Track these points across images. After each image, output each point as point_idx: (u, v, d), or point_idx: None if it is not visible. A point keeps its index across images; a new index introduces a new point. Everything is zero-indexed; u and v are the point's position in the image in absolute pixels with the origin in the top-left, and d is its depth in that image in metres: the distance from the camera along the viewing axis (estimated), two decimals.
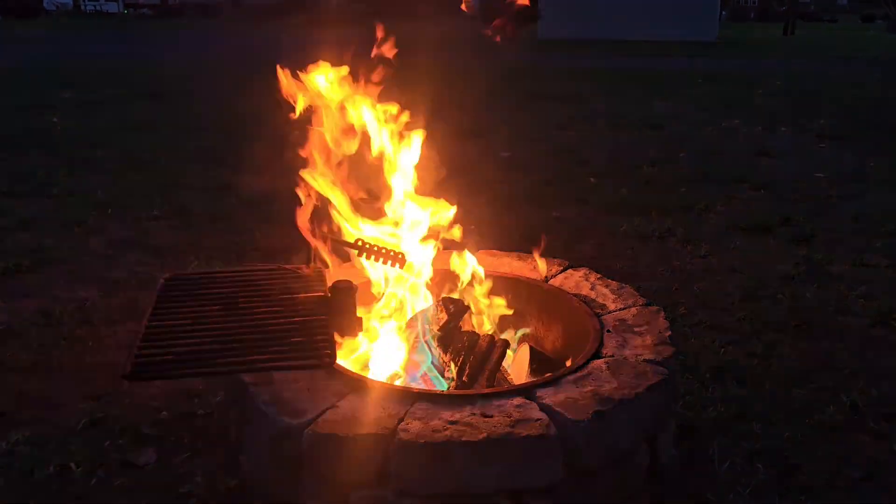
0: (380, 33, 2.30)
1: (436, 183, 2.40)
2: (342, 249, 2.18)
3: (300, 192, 2.12)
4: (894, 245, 4.11)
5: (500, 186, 5.23)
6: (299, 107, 2.18)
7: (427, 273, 2.33)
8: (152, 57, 15.61)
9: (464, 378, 2.04)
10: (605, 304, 2.31)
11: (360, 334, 2.01)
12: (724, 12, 37.31)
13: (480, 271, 2.39)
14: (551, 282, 2.49)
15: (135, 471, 2.14)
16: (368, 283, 2.33)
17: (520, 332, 2.46)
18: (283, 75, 2.19)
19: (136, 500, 2.02)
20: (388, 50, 2.30)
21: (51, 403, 2.48)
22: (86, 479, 2.10)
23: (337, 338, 1.84)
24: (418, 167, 2.35)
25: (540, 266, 2.54)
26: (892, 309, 3.21)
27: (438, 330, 2.19)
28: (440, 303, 2.24)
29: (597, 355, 2.00)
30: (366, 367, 2.15)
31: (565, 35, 22.92)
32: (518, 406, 1.74)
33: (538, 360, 2.26)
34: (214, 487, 2.04)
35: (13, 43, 19.93)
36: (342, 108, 2.23)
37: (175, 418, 2.39)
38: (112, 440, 2.26)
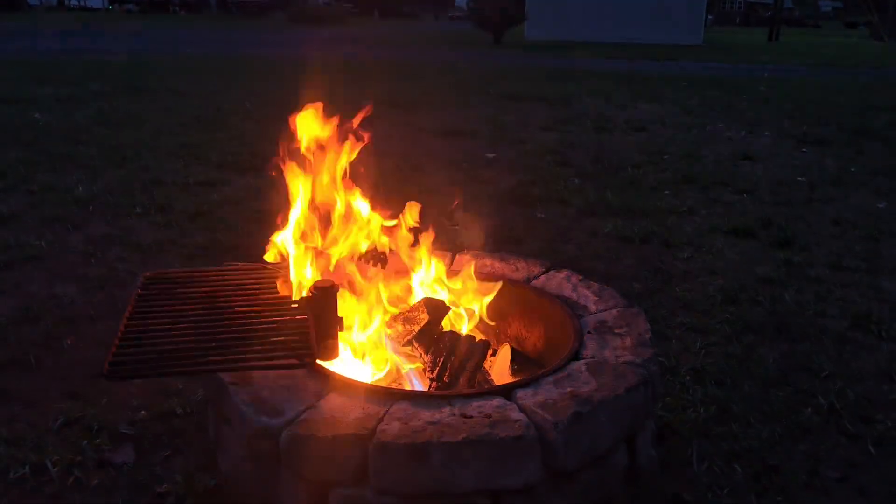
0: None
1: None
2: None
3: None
4: (872, 248, 4.15)
5: (484, 187, 5.24)
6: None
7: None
8: (135, 52, 15.49)
9: (444, 378, 2.04)
10: (586, 306, 2.31)
11: (341, 334, 2.00)
12: (709, 16, 37.59)
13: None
14: (533, 283, 2.49)
15: (112, 470, 2.12)
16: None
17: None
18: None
19: (113, 499, 2.00)
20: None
21: (28, 401, 2.45)
22: (62, 478, 2.07)
23: (317, 337, 1.84)
24: None
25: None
26: (870, 311, 3.24)
27: (419, 331, 2.19)
28: (421, 303, 2.23)
29: (577, 356, 2.01)
30: (346, 366, 2.15)
31: (551, 36, 23.00)
32: (497, 407, 1.74)
33: (519, 361, 2.27)
34: (193, 487, 2.02)
35: None
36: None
37: (153, 417, 2.37)
38: (89, 439, 2.24)
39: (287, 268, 2.13)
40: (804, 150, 7.06)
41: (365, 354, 2.21)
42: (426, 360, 2.14)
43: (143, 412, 2.39)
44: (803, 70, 15.55)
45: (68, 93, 9.12)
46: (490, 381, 2.14)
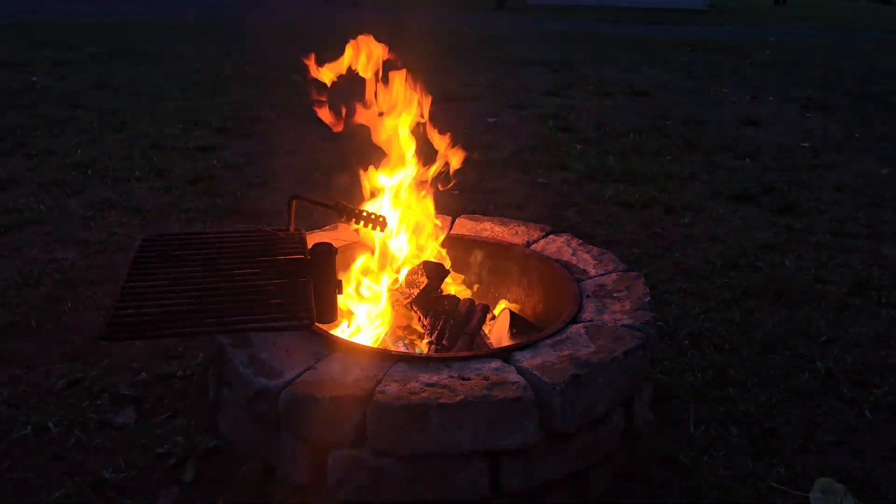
0: None
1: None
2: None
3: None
4: (874, 215, 4.14)
5: (486, 152, 5.20)
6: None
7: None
8: (133, 15, 15.29)
9: (443, 341, 2.04)
10: (585, 270, 2.31)
11: (340, 297, 2.00)
12: None
13: None
14: (533, 247, 2.49)
15: (113, 431, 2.15)
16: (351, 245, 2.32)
17: (500, 306, 2.44)
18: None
19: (115, 460, 2.02)
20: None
21: (29, 363, 2.46)
22: (64, 438, 2.10)
23: (315, 300, 1.83)
24: None
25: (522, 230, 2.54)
26: (870, 278, 3.24)
27: (419, 294, 2.19)
28: (421, 266, 2.23)
29: (575, 320, 2.01)
30: (345, 329, 2.15)
31: (554, 0, 22.67)
32: (496, 369, 1.75)
33: (518, 325, 2.27)
34: (193, 448, 2.05)
35: None
36: None
37: (154, 379, 2.39)
38: (90, 400, 2.26)
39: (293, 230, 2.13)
40: (808, 115, 6.99)
41: (364, 317, 2.21)
42: (425, 322, 2.14)
43: (143, 374, 2.41)
44: (809, 34, 15.34)
45: (66, 56, 9.02)
46: (489, 345, 2.15)
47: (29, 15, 14.38)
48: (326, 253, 1.91)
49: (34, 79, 7.51)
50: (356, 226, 2.18)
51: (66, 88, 7.11)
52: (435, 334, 2.09)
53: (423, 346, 2.13)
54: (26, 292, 2.95)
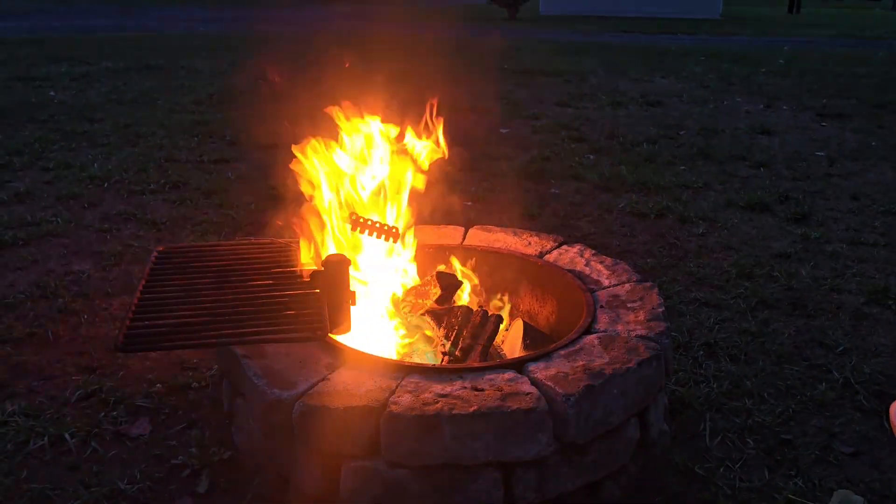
0: None
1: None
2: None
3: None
4: (891, 223, 4.10)
5: (498, 162, 5.21)
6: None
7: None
8: (149, 30, 15.47)
9: (456, 352, 2.04)
10: (599, 280, 2.30)
11: (353, 308, 2.01)
12: None
13: None
14: (546, 257, 2.48)
15: (128, 442, 2.15)
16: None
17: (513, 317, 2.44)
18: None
19: (130, 470, 2.03)
20: None
21: (45, 375, 2.48)
22: (80, 449, 2.11)
23: (329, 311, 1.84)
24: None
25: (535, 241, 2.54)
26: (887, 287, 3.21)
27: (432, 304, 2.20)
28: (434, 277, 2.24)
29: (589, 330, 2.00)
30: (358, 340, 2.15)
31: (567, 11, 22.73)
32: (509, 380, 1.75)
33: (531, 335, 2.26)
34: (208, 459, 2.05)
35: (5, 14, 19.71)
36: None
37: (169, 391, 2.40)
38: (106, 412, 2.27)
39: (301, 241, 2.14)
40: (823, 123, 6.95)
41: (378, 328, 2.21)
42: (438, 333, 2.15)
43: (158, 385, 2.42)
44: (824, 42, 15.27)
45: (82, 71, 9.13)
46: (502, 355, 2.14)
47: (47, 31, 14.58)
48: (340, 264, 1.93)
49: (52, 93, 7.61)
50: (370, 237, 2.19)
51: (82, 102, 7.20)
52: (448, 345, 2.09)
53: (436, 357, 2.13)
54: (43, 304, 2.97)
